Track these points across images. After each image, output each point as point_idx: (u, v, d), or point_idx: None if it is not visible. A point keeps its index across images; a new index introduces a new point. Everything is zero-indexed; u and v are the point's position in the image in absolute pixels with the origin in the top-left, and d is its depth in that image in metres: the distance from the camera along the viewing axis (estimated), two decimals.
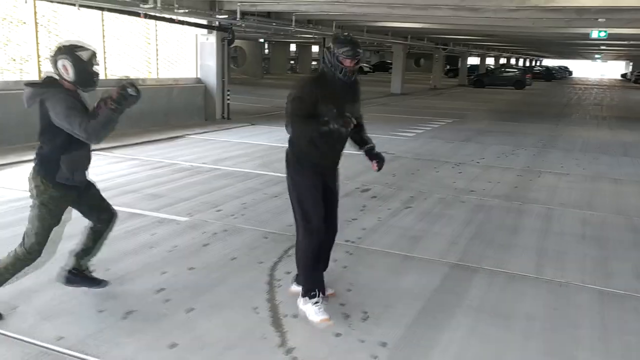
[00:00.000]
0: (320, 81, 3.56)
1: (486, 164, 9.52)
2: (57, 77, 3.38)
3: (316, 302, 3.62)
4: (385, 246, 5.12)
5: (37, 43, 9.87)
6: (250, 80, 31.27)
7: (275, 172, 8.17)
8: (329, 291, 3.86)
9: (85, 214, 3.73)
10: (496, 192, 7.42)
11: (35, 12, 9.77)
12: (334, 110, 3.38)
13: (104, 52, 11.35)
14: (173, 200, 6.48)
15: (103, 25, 11.29)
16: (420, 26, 18.43)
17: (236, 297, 3.96)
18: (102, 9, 10.60)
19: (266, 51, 46.03)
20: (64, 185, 3.42)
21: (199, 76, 14.11)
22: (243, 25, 13.31)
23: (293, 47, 51.82)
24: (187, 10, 11.77)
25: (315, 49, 53.66)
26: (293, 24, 15.07)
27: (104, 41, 11.32)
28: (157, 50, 12.89)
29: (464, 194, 7.19)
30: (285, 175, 3.71)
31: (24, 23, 9.80)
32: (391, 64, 55.78)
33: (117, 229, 5.29)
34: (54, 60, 3.34)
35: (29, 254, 3.43)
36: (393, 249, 5.05)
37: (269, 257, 4.74)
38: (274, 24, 15.23)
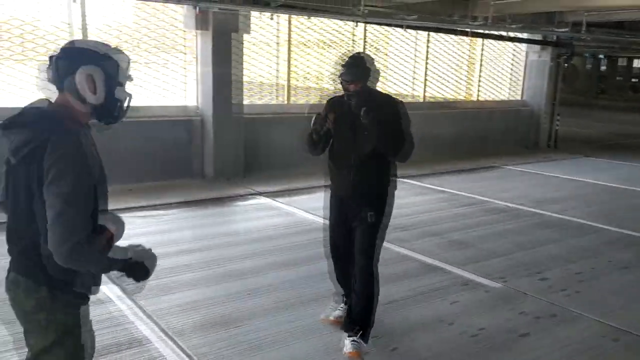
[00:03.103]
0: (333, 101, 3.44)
1: None
2: (60, 102, 1.94)
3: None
4: None
5: None
6: (580, 101, 27.53)
7: (622, 227, 6.16)
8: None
9: None
10: None
11: (365, 35, 9.84)
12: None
13: (426, 73, 10.86)
14: (483, 253, 5.27)
15: (428, 45, 10.81)
16: None
17: None
18: (428, 29, 10.10)
19: (603, 68, 40.35)
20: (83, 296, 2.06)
21: (524, 98, 12.51)
22: (588, 39, 11.19)
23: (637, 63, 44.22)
24: (519, 25, 10.39)
25: None
26: None
27: (426, 62, 10.84)
28: (479, 69, 11.84)
29: None
30: None
31: (353, 46, 9.96)
32: None
33: (414, 286, 4.42)
34: (69, 68, 1.88)
35: None
36: None
37: None
38: (627, 36, 12.50)
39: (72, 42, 1.98)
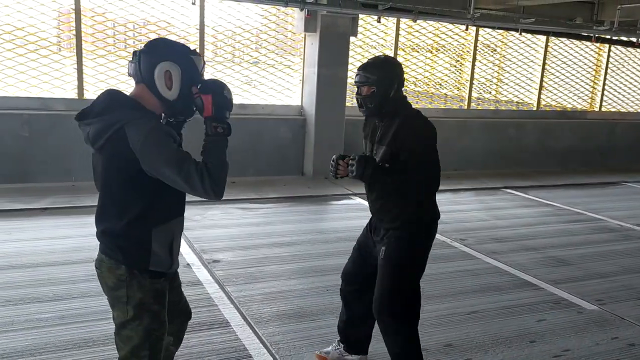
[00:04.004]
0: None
1: None
2: (135, 93, 2.06)
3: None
4: None
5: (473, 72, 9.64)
6: None
7: None
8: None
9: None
10: None
11: (476, 40, 9.54)
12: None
13: (541, 79, 10.28)
14: (582, 273, 4.92)
15: (546, 50, 10.22)
16: None
17: None
18: (547, 33, 9.56)
19: None
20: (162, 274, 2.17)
21: None
22: None
23: None
24: None
25: None
26: None
27: (543, 68, 10.26)
28: (604, 78, 10.97)
29: None
30: None
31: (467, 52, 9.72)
32: None
33: (499, 299, 4.25)
34: (150, 62, 1.99)
35: None
36: None
37: None
38: None
39: (156, 39, 2.12)
